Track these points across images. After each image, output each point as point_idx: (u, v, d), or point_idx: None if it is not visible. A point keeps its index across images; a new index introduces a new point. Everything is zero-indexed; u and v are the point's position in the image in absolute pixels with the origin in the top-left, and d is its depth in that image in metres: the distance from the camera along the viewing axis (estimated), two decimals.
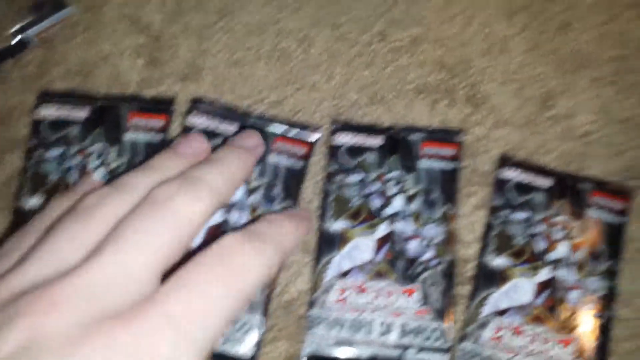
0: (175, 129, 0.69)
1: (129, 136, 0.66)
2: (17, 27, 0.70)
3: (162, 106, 0.68)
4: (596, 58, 0.75)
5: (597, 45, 0.75)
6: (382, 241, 0.65)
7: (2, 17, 0.70)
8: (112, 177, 0.65)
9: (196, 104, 0.69)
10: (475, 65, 0.74)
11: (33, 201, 0.62)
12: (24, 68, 0.70)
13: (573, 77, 0.74)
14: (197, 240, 0.61)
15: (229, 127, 0.68)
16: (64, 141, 0.65)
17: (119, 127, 0.66)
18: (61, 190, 0.63)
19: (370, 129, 0.70)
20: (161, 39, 0.72)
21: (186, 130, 0.67)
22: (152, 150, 0.65)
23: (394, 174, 0.67)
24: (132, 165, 0.65)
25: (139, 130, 0.67)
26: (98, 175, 0.64)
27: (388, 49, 0.74)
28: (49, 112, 0.66)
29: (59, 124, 0.66)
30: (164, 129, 0.67)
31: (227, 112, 0.69)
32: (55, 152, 0.65)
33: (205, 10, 0.74)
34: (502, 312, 0.63)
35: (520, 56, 0.74)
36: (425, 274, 0.63)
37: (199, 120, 0.68)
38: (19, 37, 0.69)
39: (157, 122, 0.67)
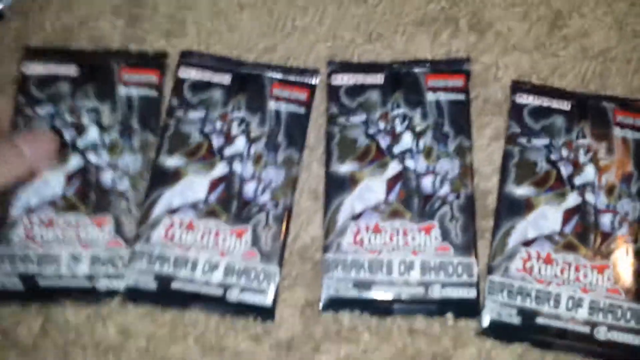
0: (167, 82, 0.70)
1: (122, 91, 0.68)
2: None
3: (154, 61, 0.69)
4: None
5: None
6: (393, 181, 0.64)
7: None
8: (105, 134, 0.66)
9: (185, 57, 0.69)
10: None
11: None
12: (1, 41, 0.71)
13: None
14: (202, 192, 0.64)
15: (222, 78, 0.68)
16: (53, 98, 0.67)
17: (111, 84, 0.67)
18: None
19: (369, 67, 0.70)
20: None
21: (178, 84, 0.68)
22: (147, 105, 0.67)
23: (400, 110, 0.67)
24: (126, 121, 0.66)
25: (131, 85, 0.68)
26: (93, 133, 0.66)
27: None
28: (36, 69, 0.68)
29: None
30: (157, 85, 0.68)
31: (218, 63, 0.69)
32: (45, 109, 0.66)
33: None
34: (529, 242, 0.62)
35: None
36: (442, 210, 0.63)
37: (190, 73, 0.68)
38: None
39: (150, 77, 0.68)
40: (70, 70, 0.68)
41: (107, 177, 0.64)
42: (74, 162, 0.64)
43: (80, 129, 0.65)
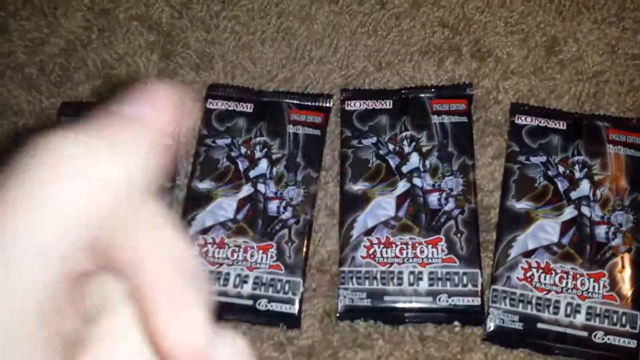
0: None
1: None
2: None
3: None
4: (597, 0, 0.73)
5: None
6: (402, 197, 0.64)
7: None
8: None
9: (212, 90, 0.70)
10: (477, 20, 0.73)
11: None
12: (49, 75, 0.72)
13: (576, 22, 0.73)
14: (231, 211, 0.64)
15: (245, 107, 0.69)
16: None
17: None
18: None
19: (379, 93, 0.70)
20: (171, 33, 0.74)
21: (206, 114, 0.69)
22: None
23: (407, 133, 0.67)
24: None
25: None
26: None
27: (389, 15, 0.74)
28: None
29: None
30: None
31: (241, 94, 0.70)
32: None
33: (209, 1, 0.75)
34: (529, 253, 0.62)
35: (520, 7, 0.74)
36: (448, 224, 0.63)
37: (216, 104, 0.69)
38: None
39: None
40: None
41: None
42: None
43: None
